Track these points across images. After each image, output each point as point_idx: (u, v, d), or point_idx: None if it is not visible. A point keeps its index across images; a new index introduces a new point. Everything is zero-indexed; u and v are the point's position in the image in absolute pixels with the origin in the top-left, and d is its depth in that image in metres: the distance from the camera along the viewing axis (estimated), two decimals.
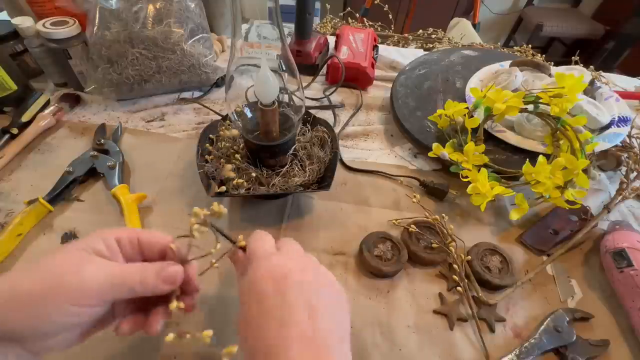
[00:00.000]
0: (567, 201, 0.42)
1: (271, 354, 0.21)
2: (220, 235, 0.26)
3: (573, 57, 0.78)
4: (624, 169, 0.53)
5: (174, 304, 0.24)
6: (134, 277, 0.23)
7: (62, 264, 0.22)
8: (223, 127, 0.47)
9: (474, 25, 1.31)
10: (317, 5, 1.20)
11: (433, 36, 0.96)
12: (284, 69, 0.38)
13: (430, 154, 0.49)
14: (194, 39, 0.59)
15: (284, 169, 0.43)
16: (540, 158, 0.42)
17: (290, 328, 0.21)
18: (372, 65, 0.69)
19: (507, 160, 0.49)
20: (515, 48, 0.91)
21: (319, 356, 0.21)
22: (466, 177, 0.44)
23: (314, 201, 0.48)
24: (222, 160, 0.44)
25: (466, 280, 0.39)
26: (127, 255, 0.26)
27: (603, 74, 0.78)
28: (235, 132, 0.37)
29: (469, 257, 0.41)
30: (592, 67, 0.78)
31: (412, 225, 0.43)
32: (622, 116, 0.52)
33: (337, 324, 0.24)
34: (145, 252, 0.26)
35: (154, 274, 0.24)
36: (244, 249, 0.28)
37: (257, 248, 0.27)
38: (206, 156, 0.44)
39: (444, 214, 0.44)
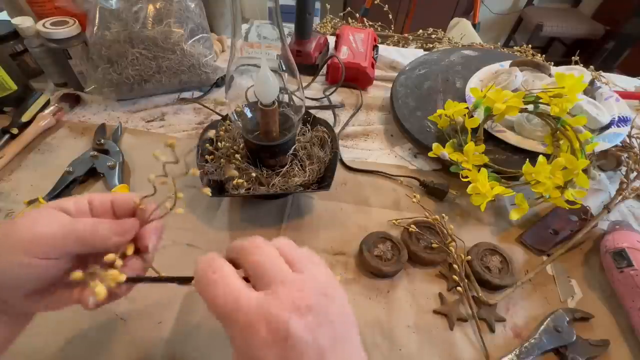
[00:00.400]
0: (567, 201, 0.42)
1: None
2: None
3: (573, 57, 0.78)
4: (624, 169, 0.53)
5: (111, 256, 0.23)
6: (85, 226, 0.23)
7: (24, 219, 0.22)
8: (223, 127, 0.47)
9: (474, 25, 1.31)
10: (317, 5, 1.20)
11: (433, 36, 0.96)
12: (284, 69, 0.38)
13: (430, 154, 0.49)
14: (194, 39, 0.59)
15: (284, 169, 0.43)
16: (540, 158, 0.42)
17: None
18: (372, 65, 0.69)
19: (507, 160, 0.49)
20: (515, 48, 0.91)
21: None
22: (466, 177, 0.44)
23: (314, 201, 0.48)
24: (222, 160, 0.44)
25: (466, 280, 0.39)
26: (98, 216, 0.25)
27: (603, 74, 0.78)
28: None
29: (469, 257, 0.41)
30: (592, 67, 0.78)
31: (412, 225, 0.43)
32: (622, 116, 0.52)
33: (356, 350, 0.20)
34: (118, 215, 0.26)
35: (107, 225, 0.23)
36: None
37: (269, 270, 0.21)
38: (206, 156, 0.44)
39: (444, 214, 0.44)
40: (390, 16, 0.97)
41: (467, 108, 0.49)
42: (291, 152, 0.43)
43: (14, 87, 0.55)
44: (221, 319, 0.20)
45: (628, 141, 0.55)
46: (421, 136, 0.54)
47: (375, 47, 0.73)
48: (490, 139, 0.51)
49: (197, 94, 0.64)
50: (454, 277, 0.39)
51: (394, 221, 0.45)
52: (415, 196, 0.48)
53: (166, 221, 0.44)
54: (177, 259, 0.39)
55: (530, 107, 0.48)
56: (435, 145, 0.48)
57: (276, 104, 0.37)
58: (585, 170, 0.41)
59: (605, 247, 0.41)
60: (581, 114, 0.48)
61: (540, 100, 0.46)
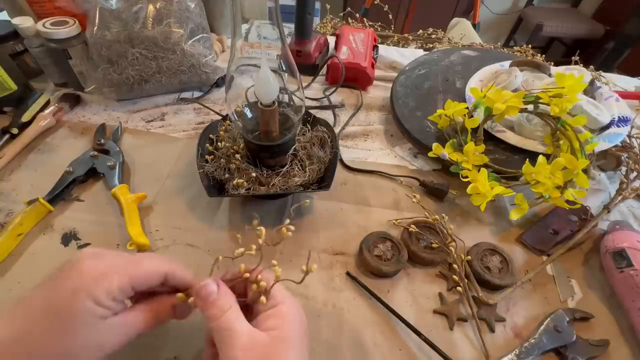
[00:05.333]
0: (567, 201, 0.42)
1: None
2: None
3: (573, 57, 0.78)
4: (624, 169, 0.53)
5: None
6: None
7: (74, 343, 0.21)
8: (223, 127, 0.47)
9: (474, 25, 1.31)
10: (317, 5, 1.20)
11: (433, 36, 0.96)
12: (284, 69, 0.38)
13: (430, 154, 0.49)
14: (194, 39, 0.59)
15: (284, 169, 0.43)
16: (540, 158, 0.42)
17: None
18: (372, 65, 0.69)
19: (507, 160, 0.49)
20: (515, 48, 0.91)
21: None
22: (466, 177, 0.44)
23: (314, 201, 0.48)
24: (222, 160, 0.44)
25: (466, 280, 0.39)
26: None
27: (603, 74, 0.78)
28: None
29: (469, 257, 0.41)
30: (592, 67, 0.78)
31: (412, 225, 0.43)
32: (622, 116, 0.52)
33: None
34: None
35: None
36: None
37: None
38: (206, 156, 0.44)
39: (444, 214, 0.44)
40: (390, 16, 0.97)
41: (467, 108, 0.49)
42: (291, 152, 0.43)
43: (14, 87, 0.55)
44: (217, 342, 0.24)
45: (628, 141, 0.55)
46: (421, 136, 0.54)
47: (375, 47, 0.73)
48: (490, 139, 0.51)
49: (197, 94, 0.64)
50: (454, 277, 0.39)
51: (394, 221, 0.45)
52: (415, 196, 0.48)
53: (166, 221, 0.44)
54: (177, 258, 0.39)
55: (530, 107, 0.48)
56: (435, 145, 0.48)
57: (276, 104, 0.37)
58: (585, 170, 0.41)
59: (605, 247, 0.41)
60: (581, 114, 0.48)
61: (540, 100, 0.46)
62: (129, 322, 0.24)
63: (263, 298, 0.25)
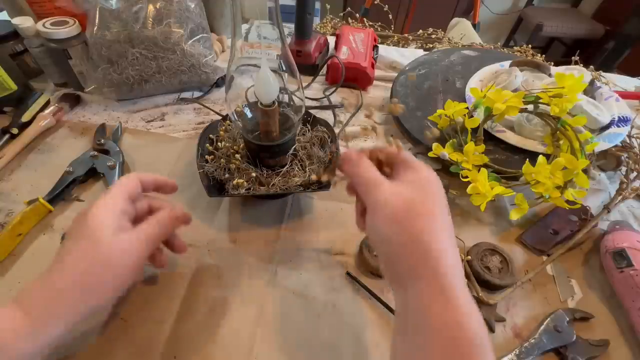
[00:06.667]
0: (567, 201, 0.42)
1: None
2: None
3: (573, 57, 0.78)
4: (624, 169, 0.53)
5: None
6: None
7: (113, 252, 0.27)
8: (223, 127, 0.47)
9: (474, 25, 1.31)
10: (317, 5, 1.20)
11: (433, 36, 0.96)
12: (284, 69, 0.38)
13: (430, 154, 0.49)
14: (194, 39, 0.59)
15: (284, 169, 0.43)
16: (540, 158, 0.42)
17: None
18: (372, 65, 0.69)
19: (507, 160, 0.49)
20: (515, 48, 0.91)
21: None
22: (466, 177, 0.44)
23: (314, 201, 0.48)
24: (222, 160, 0.44)
25: (466, 280, 0.39)
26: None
27: (603, 74, 0.78)
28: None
29: (469, 257, 0.41)
30: (592, 67, 0.78)
31: None
32: (622, 116, 0.52)
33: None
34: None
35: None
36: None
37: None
38: (206, 156, 0.44)
39: None
40: (390, 16, 0.97)
41: (467, 108, 0.49)
42: (291, 152, 0.43)
43: (14, 87, 0.55)
44: (363, 193, 0.26)
45: (628, 141, 0.55)
46: (421, 136, 0.54)
47: (375, 47, 0.73)
48: (490, 139, 0.51)
49: (197, 94, 0.64)
50: None
51: None
52: None
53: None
54: (177, 258, 0.39)
55: (530, 107, 0.48)
56: (435, 145, 0.48)
57: (276, 104, 0.37)
58: (585, 170, 0.41)
59: (605, 247, 0.41)
60: (581, 114, 0.48)
61: (540, 100, 0.46)
62: (141, 229, 0.29)
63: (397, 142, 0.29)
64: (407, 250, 0.23)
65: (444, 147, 0.48)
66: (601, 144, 0.48)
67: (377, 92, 0.69)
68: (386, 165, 0.29)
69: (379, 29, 0.98)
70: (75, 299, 0.25)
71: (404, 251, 0.23)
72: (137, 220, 0.31)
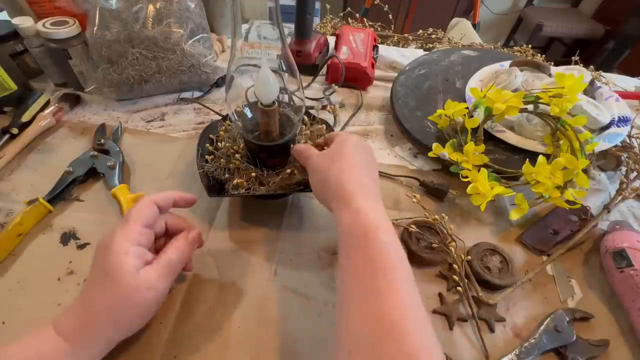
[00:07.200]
0: (567, 201, 0.42)
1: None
2: None
3: (573, 57, 0.78)
4: (624, 169, 0.53)
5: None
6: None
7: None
8: (223, 127, 0.47)
9: (474, 25, 1.31)
10: (317, 5, 1.20)
11: (433, 36, 0.96)
12: (284, 69, 0.38)
13: (430, 154, 0.49)
14: (194, 39, 0.59)
15: (284, 169, 0.43)
16: (540, 158, 0.42)
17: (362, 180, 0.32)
18: (372, 65, 0.69)
19: (507, 160, 0.49)
20: (515, 48, 0.91)
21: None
22: (466, 177, 0.44)
23: (314, 201, 0.48)
24: (222, 160, 0.44)
25: (466, 280, 0.39)
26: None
27: (603, 74, 0.78)
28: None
29: (469, 257, 0.41)
30: (592, 67, 0.78)
31: (412, 225, 0.43)
32: (622, 116, 0.52)
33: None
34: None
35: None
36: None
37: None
38: (206, 156, 0.44)
39: (444, 214, 0.44)
40: (390, 16, 0.97)
41: (467, 108, 0.49)
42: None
43: (14, 87, 0.55)
44: (304, 164, 0.38)
45: (628, 141, 0.55)
46: (421, 136, 0.54)
47: (375, 47, 0.73)
48: (490, 139, 0.51)
49: (197, 94, 0.64)
50: (454, 277, 0.39)
51: (393, 221, 0.45)
52: (415, 196, 0.48)
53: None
54: None
55: (530, 107, 0.48)
56: (435, 145, 0.48)
57: (276, 104, 0.37)
58: (585, 170, 0.41)
59: (605, 247, 0.41)
60: (581, 114, 0.48)
61: (540, 100, 0.46)
62: (162, 263, 0.30)
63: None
64: (326, 187, 0.32)
65: (444, 147, 0.48)
66: (601, 144, 0.48)
67: (377, 92, 0.69)
68: (325, 145, 0.39)
69: (379, 29, 0.98)
70: (109, 330, 0.28)
71: (325, 189, 0.33)
72: (156, 238, 0.33)
